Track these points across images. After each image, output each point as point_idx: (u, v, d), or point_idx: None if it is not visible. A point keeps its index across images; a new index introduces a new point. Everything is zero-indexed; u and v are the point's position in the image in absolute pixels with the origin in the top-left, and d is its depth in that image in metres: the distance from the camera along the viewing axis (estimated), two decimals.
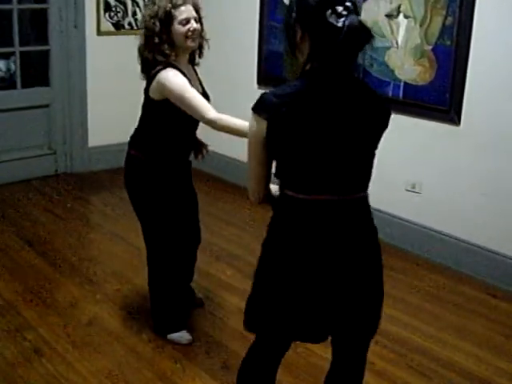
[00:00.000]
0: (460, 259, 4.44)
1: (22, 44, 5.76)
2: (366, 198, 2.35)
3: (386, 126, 2.31)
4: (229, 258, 4.52)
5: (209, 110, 3.06)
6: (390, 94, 4.62)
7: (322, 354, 3.42)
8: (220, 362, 3.33)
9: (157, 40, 3.10)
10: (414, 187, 4.65)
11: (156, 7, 3.10)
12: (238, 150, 6.11)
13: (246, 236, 4.92)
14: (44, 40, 5.92)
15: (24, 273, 4.19)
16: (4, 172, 5.77)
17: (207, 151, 3.57)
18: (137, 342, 3.47)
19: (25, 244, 4.61)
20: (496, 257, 4.26)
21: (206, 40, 3.35)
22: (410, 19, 4.41)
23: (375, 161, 2.41)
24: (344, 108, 2.11)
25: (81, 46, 5.89)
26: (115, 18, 6.05)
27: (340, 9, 1.99)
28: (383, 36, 4.57)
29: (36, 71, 6.16)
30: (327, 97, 2.09)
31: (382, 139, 4.30)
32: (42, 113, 5.95)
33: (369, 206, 2.37)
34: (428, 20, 4.30)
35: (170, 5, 3.09)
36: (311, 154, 2.10)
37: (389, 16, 4.52)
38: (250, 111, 2.10)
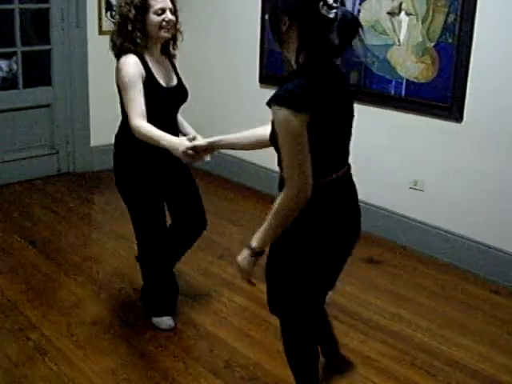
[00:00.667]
0: (463, 257, 4.44)
1: (23, 44, 5.77)
2: (350, 166, 2.53)
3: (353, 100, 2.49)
4: (232, 257, 4.49)
5: (136, 116, 3.04)
6: (392, 91, 4.61)
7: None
8: (223, 361, 3.33)
9: (130, 27, 3.12)
10: (416, 185, 4.65)
11: None
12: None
13: (249, 235, 4.88)
14: (46, 39, 5.93)
15: (27, 272, 4.19)
16: (6, 172, 5.78)
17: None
18: (140, 341, 3.47)
19: (28, 244, 4.62)
20: (499, 254, 4.26)
21: (181, 32, 3.37)
22: (411, 16, 4.40)
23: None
24: (342, 90, 2.35)
25: (82, 46, 5.91)
26: (117, 17, 6.03)
27: (331, 0, 2.10)
28: (385, 33, 4.57)
29: (38, 71, 6.17)
30: (332, 84, 2.27)
31: (385, 137, 4.37)
32: (44, 112, 5.96)
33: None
34: (430, 17, 4.30)
35: None
36: (334, 136, 2.31)
37: (391, 13, 4.51)
38: (277, 108, 2.13)
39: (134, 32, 3.12)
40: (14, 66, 5.95)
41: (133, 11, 3.10)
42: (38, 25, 6.22)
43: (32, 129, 5.90)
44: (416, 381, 3.23)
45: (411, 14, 4.40)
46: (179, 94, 3.39)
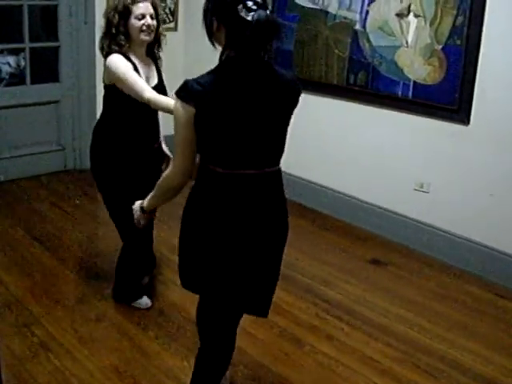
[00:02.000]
0: (468, 259, 4.43)
1: (31, 40, 5.77)
2: (279, 171, 2.58)
3: (295, 103, 2.54)
4: None
5: (145, 90, 3.24)
6: (400, 93, 4.61)
7: (327, 351, 3.44)
8: None
9: (114, 31, 3.35)
10: (422, 187, 4.64)
11: (117, 1, 3.37)
12: None
13: None
14: (54, 36, 5.94)
15: (32, 268, 4.20)
16: (13, 168, 5.79)
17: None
18: (144, 338, 3.48)
19: (33, 240, 4.63)
20: (505, 257, 4.25)
21: (164, 35, 3.57)
22: (420, 18, 4.40)
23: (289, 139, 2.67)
24: (257, 91, 2.35)
25: (90, 42, 5.89)
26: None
27: (250, 3, 2.21)
28: (393, 35, 4.57)
29: (46, 67, 6.17)
30: (243, 82, 2.33)
31: (391, 139, 4.36)
32: (51, 109, 5.97)
33: (281, 179, 2.61)
34: (438, 19, 4.29)
35: (129, 0, 3.34)
36: (232, 133, 2.33)
37: (399, 15, 4.51)
38: (175, 97, 2.31)
39: (118, 35, 3.35)
40: (22, 62, 5.96)
41: (116, 17, 3.34)
42: (46, 21, 6.24)
43: (39, 125, 5.91)
44: (419, 383, 3.23)
45: (419, 16, 4.39)
46: (158, 93, 3.44)
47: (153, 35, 3.44)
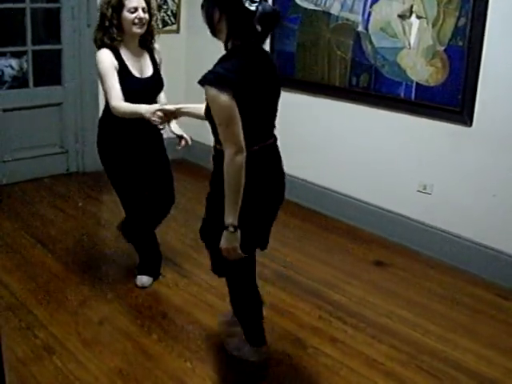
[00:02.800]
0: (471, 261, 4.43)
1: (34, 43, 5.78)
2: (276, 138, 2.96)
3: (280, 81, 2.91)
4: None
5: (114, 99, 3.47)
6: (402, 94, 4.61)
7: (330, 353, 3.44)
8: (230, 362, 3.33)
9: (107, 23, 3.52)
10: (425, 188, 4.64)
11: None
12: None
13: None
14: (56, 39, 5.95)
15: (35, 271, 4.20)
16: (16, 170, 5.80)
17: (186, 143, 3.65)
18: (147, 341, 3.48)
19: (36, 242, 4.63)
20: (507, 258, 4.25)
21: (156, 28, 3.77)
22: (422, 20, 4.39)
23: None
24: (266, 73, 2.76)
25: (93, 45, 5.89)
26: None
27: None
28: (395, 36, 4.56)
29: (48, 70, 6.18)
30: (257, 66, 2.69)
31: (394, 140, 4.34)
32: (54, 111, 5.98)
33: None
34: (440, 21, 4.29)
35: None
36: (257, 111, 2.71)
37: (401, 16, 4.51)
38: (206, 87, 2.55)
39: (110, 28, 3.53)
40: (25, 65, 5.98)
41: (110, 10, 3.50)
42: (49, 24, 6.25)
43: (42, 128, 5.91)
44: None
45: (422, 17, 4.39)
46: (153, 83, 3.75)
47: (145, 28, 3.61)
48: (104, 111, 3.76)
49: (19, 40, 5.80)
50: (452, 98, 4.33)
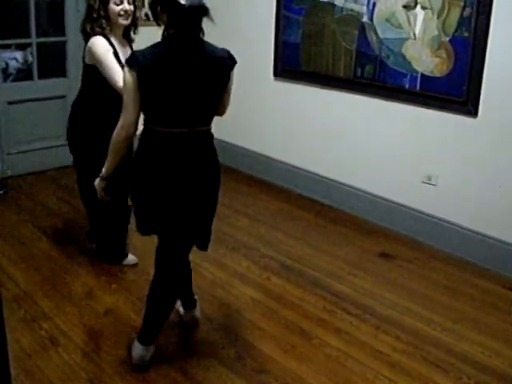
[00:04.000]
0: (476, 252, 4.42)
1: (38, 35, 5.78)
2: (209, 130, 3.09)
3: (223, 76, 3.05)
4: (244, 249, 4.52)
5: (119, 80, 3.46)
6: (407, 85, 4.59)
7: (336, 344, 3.44)
8: (235, 353, 3.34)
9: (95, 15, 3.70)
10: (430, 179, 4.63)
11: None
12: (254, 141, 6.12)
13: (261, 227, 4.92)
14: (61, 31, 5.94)
15: (40, 263, 4.21)
16: (21, 162, 5.81)
17: None
18: None
19: (41, 234, 4.64)
20: None
21: (140, 19, 3.97)
22: (427, 10, 4.38)
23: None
24: (190, 64, 2.88)
25: None
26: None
27: None
28: (400, 27, 4.55)
29: (53, 62, 6.18)
30: (179, 55, 2.87)
31: (399, 131, 4.33)
32: (58, 104, 5.97)
33: (212, 136, 3.11)
34: (446, 11, 4.27)
35: None
36: (169, 97, 2.88)
37: (406, 7, 4.49)
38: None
39: (99, 19, 3.71)
40: (29, 58, 5.97)
41: (97, 2, 3.69)
42: (53, 16, 6.24)
43: (46, 120, 5.91)
44: (428, 376, 3.23)
45: (427, 8, 4.37)
46: None
47: (130, 19, 3.80)
48: (78, 97, 4.03)
49: (23, 32, 5.79)
50: (457, 89, 4.32)
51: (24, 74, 6.04)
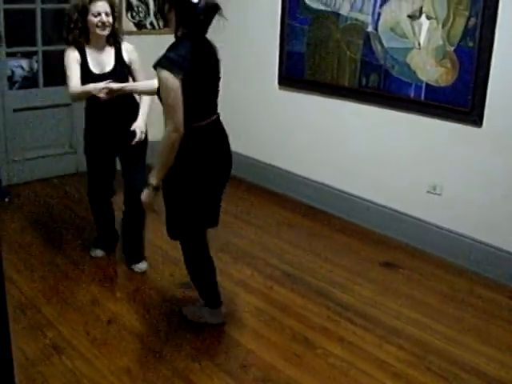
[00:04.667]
0: (481, 262, 4.41)
1: (44, 43, 5.80)
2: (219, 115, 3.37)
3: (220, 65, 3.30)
4: (248, 258, 4.52)
5: (71, 86, 3.92)
6: (412, 94, 4.60)
7: (339, 354, 3.43)
8: (238, 361, 3.34)
9: (72, 25, 3.95)
10: (434, 189, 4.63)
11: (78, 1, 3.93)
12: (258, 150, 6.12)
13: (265, 236, 4.92)
14: (66, 39, 5.94)
15: (45, 270, 4.22)
16: (25, 170, 5.82)
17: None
18: (156, 340, 3.48)
19: (46, 242, 4.65)
20: None
21: (118, 29, 4.16)
22: (432, 20, 4.38)
23: None
24: (210, 58, 3.18)
25: None
26: (137, 17, 6.08)
27: None
28: (405, 37, 4.55)
29: (58, 70, 6.16)
30: (203, 52, 3.13)
31: (404, 141, 4.34)
32: (63, 112, 5.99)
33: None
34: (450, 21, 4.28)
35: (87, 0, 3.90)
36: (204, 91, 3.17)
37: (411, 17, 4.50)
38: (160, 69, 3.00)
39: (74, 29, 3.94)
40: (35, 66, 6.00)
41: (76, 14, 3.91)
42: (59, 25, 6.25)
43: (51, 128, 5.93)
44: None
45: (432, 18, 4.38)
46: (111, 77, 3.97)
47: (108, 29, 3.98)
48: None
49: (29, 40, 5.81)
50: (462, 99, 4.32)
51: (29, 81, 6.06)
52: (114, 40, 4.09)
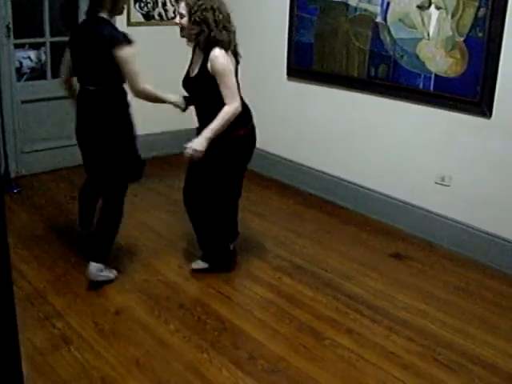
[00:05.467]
0: (489, 253, 4.40)
1: (52, 34, 5.80)
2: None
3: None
4: (256, 249, 4.52)
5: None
6: (421, 85, 4.57)
7: (348, 345, 3.43)
8: (247, 352, 3.34)
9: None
10: (443, 180, 4.61)
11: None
12: (266, 141, 6.10)
13: (273, 227, 4.91)
14: None
15: (53, 261, 4.23)
16: (34, 161, 5.83)
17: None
18: (164, 331, 3.49)
19: (54, 233, 4.66)
20: None
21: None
22: (441, 10, 4.36)
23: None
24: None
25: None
26: (145, 8, 6.07)
27: None
28: (414, 27, 4.53)
29: None
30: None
31: (412, 132, 4.29)
32: (71, 103, 5.98)
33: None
34: (460, 11, 4.25)
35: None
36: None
37: (420, 7, 4.47)
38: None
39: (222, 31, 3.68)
40: (43, 57, 6.00)
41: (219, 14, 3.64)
42: (67, 16, 6.25)
43: (59, 119, 5.93)
44: (439, 377, 3.21)
45: (441, 8, 4.35)
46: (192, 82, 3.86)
47: (184, 32, 3.73)
48: None
49: (37, 32, 5.81)
50: (471, 90, 4.30)
51: (38, 73, 6.06)
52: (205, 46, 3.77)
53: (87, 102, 3.91)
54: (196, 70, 3.75)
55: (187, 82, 3.86)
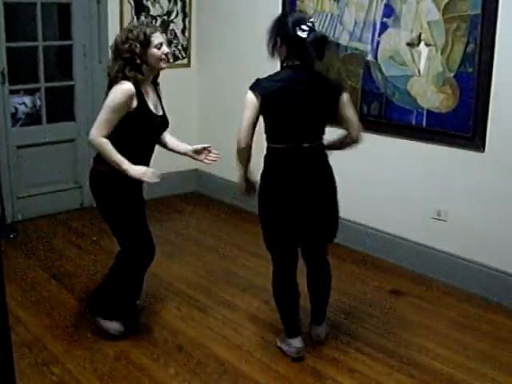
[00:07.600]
0: (488, 287, 4.39)
1: (47, 80, 5.85)
2: (321, 144, 3.58)
3: (335, 99, 3.45)
4: (255, 289, 4.50)
5: (96, 133, 3.55)
6: (414, 122, 4.61)
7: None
8: None
9: (138, 61, 3.42)
10: (439, 215, 4.62)
11: (136, 32, 3.43)
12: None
13: (271, 267, 4.89)
14: (69, 75, 6.01)
15: (50, 307, 4.20)
16: (30, 206, 5.83)
17: (209, 151, 3.82)
18: (164, 376, 3.46)
19: (52, 278, 4.64)
20: None
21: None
22: (431, 47, 4.41)
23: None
24: (306, 88, 3.33)
25: (105, 81, 5.87)
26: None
27: (304, 27, 3.23)
28: (405, 64, 4.58)
29: (61, 106, 6.24)
30: (297, 81, 3.33)
31: (407, 168, 4.32)
32: (67, 147, 6.02)
33: (324, 149, 3.62)
34: (449, 47, 4.31)
35: (148, 30, 3.45)
36: (287, 118, 3.34)
37: (410, 44, 4.53)
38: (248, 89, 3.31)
39: (141, 65, 3.45)
40: (38, 102, 6.04)
41: (138, 46, 3.41)
42: (61, 61, 6.32)
43: (56, 163, 5.95)
44: None
45: (430, 45, 4.41)
46: (163, 122, 3.70)
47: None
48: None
49: (32, 77, 5.86)
50: (463, 124, 4.33)
51: (33, 118, 6.10)
52: (156, 77, 3.69)
53: (305, 161, 3.46)
54: (160, 111, 3.71)
55: (156, 120, 3.67)
